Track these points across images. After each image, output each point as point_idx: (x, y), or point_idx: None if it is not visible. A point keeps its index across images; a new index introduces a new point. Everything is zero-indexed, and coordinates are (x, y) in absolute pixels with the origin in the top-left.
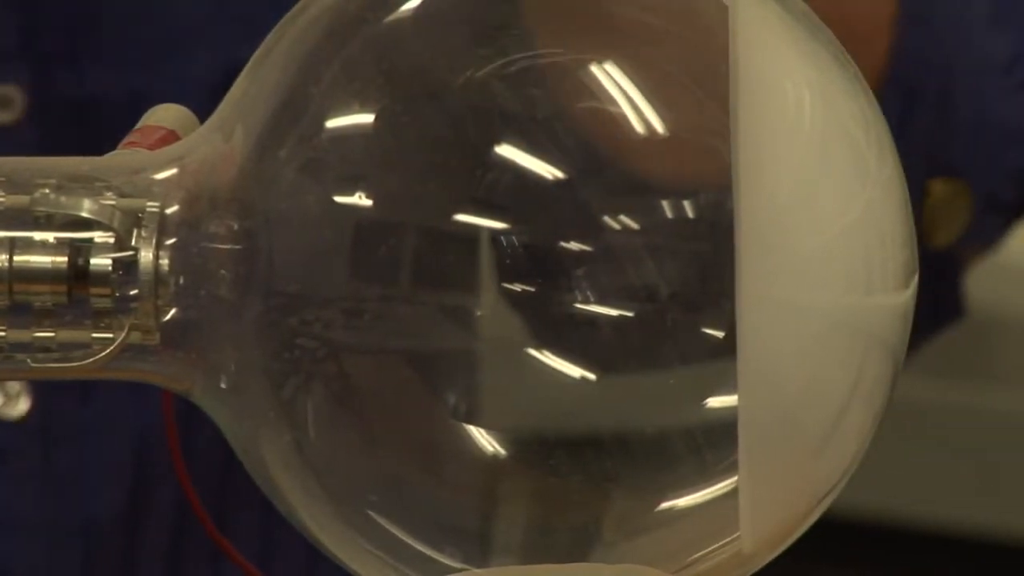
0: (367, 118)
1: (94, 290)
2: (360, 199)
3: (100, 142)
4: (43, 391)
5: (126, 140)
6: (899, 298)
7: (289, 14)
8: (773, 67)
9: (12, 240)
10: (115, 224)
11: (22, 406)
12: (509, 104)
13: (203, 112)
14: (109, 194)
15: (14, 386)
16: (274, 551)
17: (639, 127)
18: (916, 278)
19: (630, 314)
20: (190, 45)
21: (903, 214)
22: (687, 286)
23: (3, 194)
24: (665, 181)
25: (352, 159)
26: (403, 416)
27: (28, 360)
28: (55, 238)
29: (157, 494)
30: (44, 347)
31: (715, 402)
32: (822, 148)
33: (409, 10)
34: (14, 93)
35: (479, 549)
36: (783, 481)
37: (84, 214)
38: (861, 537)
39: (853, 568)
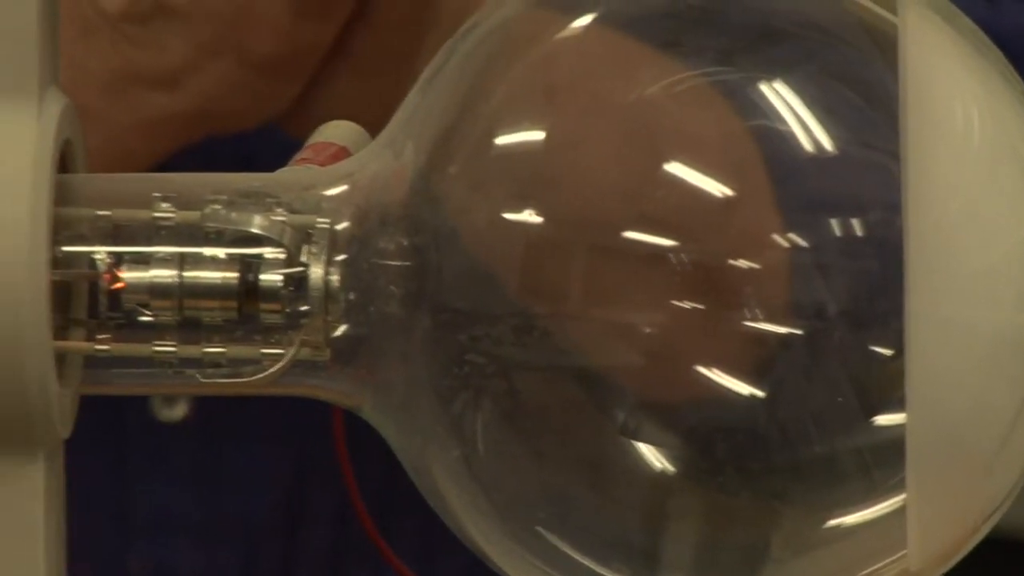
0: (537, 136)
1: (264, 306)
2: (530, 216)
3: None
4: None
5: (298, 157)
6: None
7: (459, 32)
8: (942, 85)
9: (183, 256)
10: (285, 240)
11: (181, 408)
12: (678, 122)
13: None
14: (280, 210)
15: None
16: (435, 557)
17: (808, 146)
18: None
19: (799, 331)
20: None
21: None
22: (856, 304)
23: (174, 210)
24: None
25: (522, 177)
26: (572, 432)
27: (198, 375)
28: (226, 254)
29: (316, 497)
30: (214, 362)
31: (883, 420)
32: (991, 166)
33: (578, 28)
34: None
35: (647, 565)
36: (951, 499)
37: (254, 230)
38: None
39: None
